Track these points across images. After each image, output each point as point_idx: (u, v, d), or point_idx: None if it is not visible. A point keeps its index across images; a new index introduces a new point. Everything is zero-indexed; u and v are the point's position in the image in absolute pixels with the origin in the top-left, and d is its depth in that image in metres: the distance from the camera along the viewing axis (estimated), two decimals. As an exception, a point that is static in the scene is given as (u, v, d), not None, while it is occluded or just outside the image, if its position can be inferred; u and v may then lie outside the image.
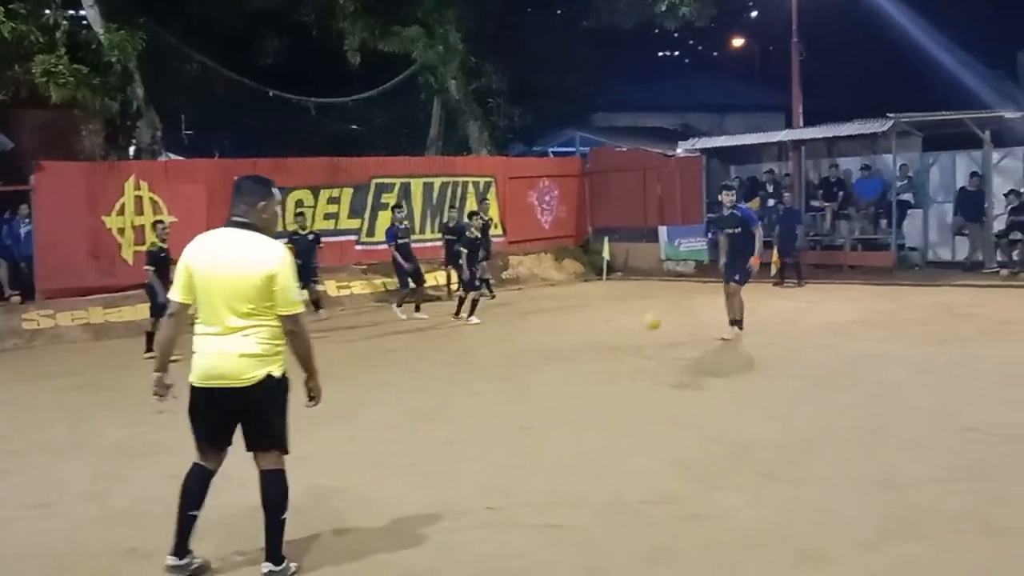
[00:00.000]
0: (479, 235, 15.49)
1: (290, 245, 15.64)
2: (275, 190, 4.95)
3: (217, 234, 4.88)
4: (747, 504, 5.89)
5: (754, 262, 12.00)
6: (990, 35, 28.40)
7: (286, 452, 4.94)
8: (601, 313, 15.92)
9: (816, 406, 8.58)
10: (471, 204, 20.64)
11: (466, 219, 17.70)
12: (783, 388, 9.43)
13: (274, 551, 4.93)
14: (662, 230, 22.30)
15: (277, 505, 4.90)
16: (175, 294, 4.88)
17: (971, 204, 18.69)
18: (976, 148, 19.18)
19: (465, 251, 15.16)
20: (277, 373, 4.81)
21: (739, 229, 12.13)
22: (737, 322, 12.10)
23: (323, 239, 17.15)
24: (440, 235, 18.87)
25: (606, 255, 22.04)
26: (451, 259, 18.29)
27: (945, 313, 13.91)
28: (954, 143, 19.65)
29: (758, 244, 12.00)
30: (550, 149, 29.53)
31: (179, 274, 4.88)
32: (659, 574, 5.00)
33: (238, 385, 4.74)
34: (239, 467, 5.09)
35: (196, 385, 4.84)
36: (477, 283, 15.33)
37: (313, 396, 5.01)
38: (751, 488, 6.21)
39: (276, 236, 5.00)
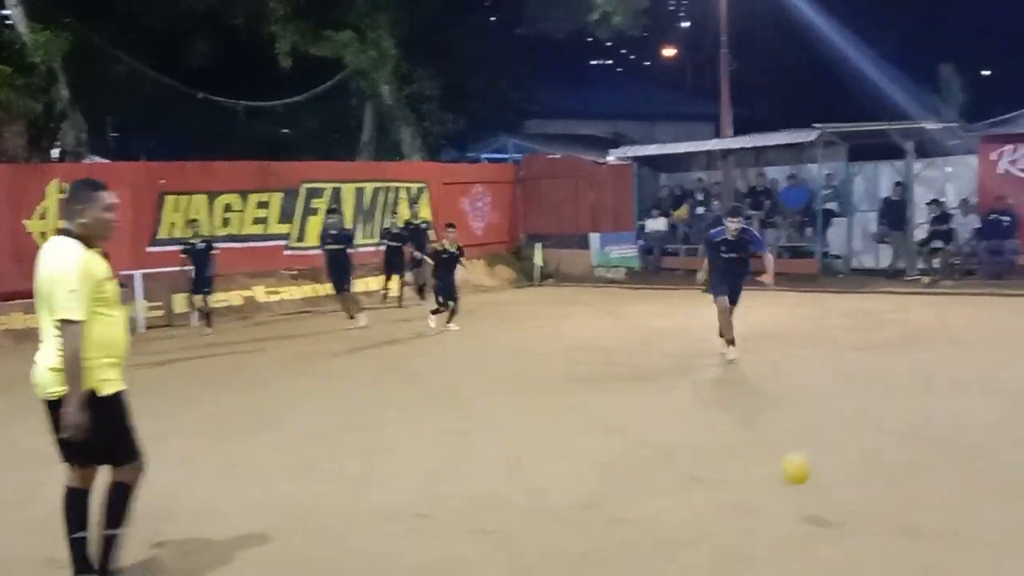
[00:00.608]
0: (456, 251, 14.50)
1: (184, 255, 15.44)
2: (102, 193, 4.71)
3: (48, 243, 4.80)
4: (671, 507, 5.96)
5: (767, 278, 11.37)
6: (914, 48, 29.18)
7: (118, 465, 4.76)
8: (533, 320, 15.98)
9: (740, 410, 8.73)
10: (403, 210, 20.54)
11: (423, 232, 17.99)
12: (709, 392, 9.57)
13: (101, 564, 4.76)
14: (594, 237, 22.44)
15: (104, 516, 4.75)
16: None
17: (894, 213, 19.14)
18: (899, 158, 19.67)
19: (434, 264, 14.67)
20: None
21: (741, 255, 11.29)
22: (732, 340, 11.30)
23: (251, 244, 16.94)
24: (379, 241, 18.82)
25: (538, 261, 22.12)
26: (391, 266, 18.29)
27: (867, 319, 14.22)
28: (878, 153, 20.13)
29: (769, 265, 11.35)
30: (483, 155, 29.55)
31: None
32: (585, 578, 5.04)
33: (48, 398, 4.62)
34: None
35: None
36: (456, 294, 14.63)
37: (65, 424, 4.47)
38: (675, 491, 6.30)
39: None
